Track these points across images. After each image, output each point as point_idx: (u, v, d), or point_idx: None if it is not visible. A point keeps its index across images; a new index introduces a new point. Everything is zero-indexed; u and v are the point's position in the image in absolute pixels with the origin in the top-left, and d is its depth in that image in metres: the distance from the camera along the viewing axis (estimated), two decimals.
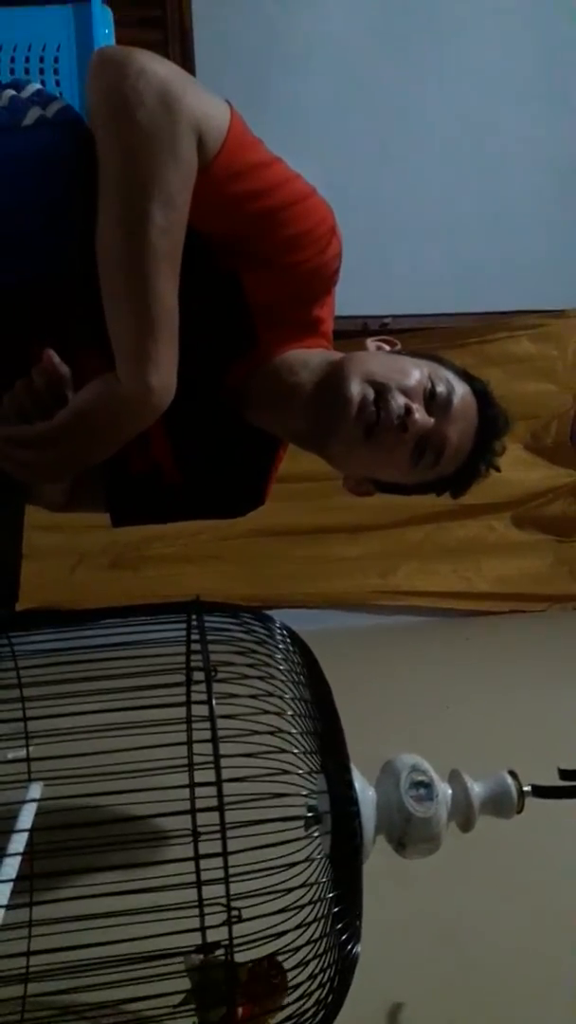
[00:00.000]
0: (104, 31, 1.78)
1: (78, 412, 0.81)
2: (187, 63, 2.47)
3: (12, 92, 0.92)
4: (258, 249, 0.89)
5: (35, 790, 1.03)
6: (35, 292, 0.87)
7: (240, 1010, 0.78)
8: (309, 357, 1.00)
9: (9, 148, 0.87)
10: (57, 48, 1.71)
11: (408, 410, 0.94)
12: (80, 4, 1.74)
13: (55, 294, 0.88)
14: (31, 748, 0.96)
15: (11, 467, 0.85)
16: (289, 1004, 0.72)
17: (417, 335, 2.61)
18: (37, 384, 0.84)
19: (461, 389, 1.01)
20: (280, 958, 0.74)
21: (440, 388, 0.98)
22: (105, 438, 0.83)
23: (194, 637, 0.88)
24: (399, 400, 0.94)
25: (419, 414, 0.95)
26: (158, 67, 0.77)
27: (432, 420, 0.96)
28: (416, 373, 0.98)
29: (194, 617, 0.89)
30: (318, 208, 0.91)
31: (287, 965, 0.74)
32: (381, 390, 0.95)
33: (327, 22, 2.59)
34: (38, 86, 0.92)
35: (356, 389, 0.94)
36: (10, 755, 1.00)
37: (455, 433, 0.99)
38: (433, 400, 0.97)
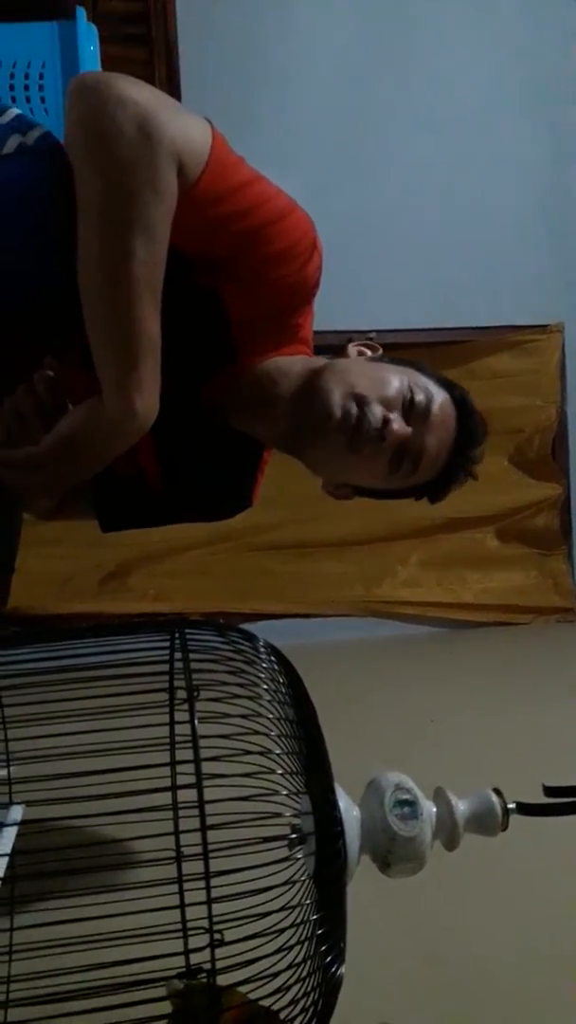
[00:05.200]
0: (89, 48, 1.79)
1: (64, 437, 0.83)
2: (172, 79, 2.48)
3: None
4: (240, 266, 0.90)
5: (16, 812, 1.02)
6: (20, 317, 0.88)
7: None
8: (290, 365, 1.01)
9: None
10: (42, 65, 1.72)
11: (386, 421, 0.96)
12: (65, 21, 1.74)
13: (40, 319, 0.88)
14: (12, 768, 0.95)
15: (3, 481, 0.87)
16: None
17: (402, 350, 2.62)
18: (38, 389, 0.86)
19: (440, 397, 1.02)
20: (263, 981, 0.73)
21: (419, 397, 0.99)
22: (91, 460, 0.85)
23: (177, 656, 0.88)
24: (377, 411, 0.96)
25: (397, 424, 0.96)
26: (137, 94, 0.77)
27: (410, 429, 0.98)
28: (396, 382, 0.99)
29: (177, 636, 0.89)
30: (300, 223, 0.92)
31: (270, 988, 0.73)
32: (361, 402, 0.96)
33: (312, 40, 2.62)
34: (18, 111, 0.92)
35: (337, 402, 0.96)
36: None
37: (433, 441, 1.00)
38: (412, 409, 0.98)
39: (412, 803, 0.84)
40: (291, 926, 0.70)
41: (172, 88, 2.47)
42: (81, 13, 1.76)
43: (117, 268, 0.77)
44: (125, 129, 0.75)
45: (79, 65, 1.75)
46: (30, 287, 0.87)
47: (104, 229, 0.78)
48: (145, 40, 2.48)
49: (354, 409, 0.95)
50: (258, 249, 0.89)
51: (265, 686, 0.80)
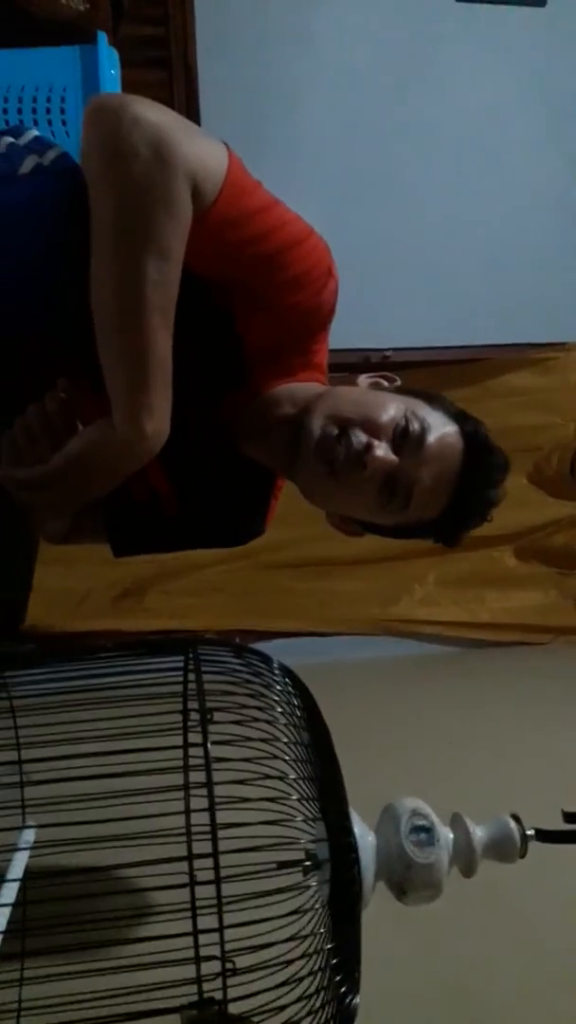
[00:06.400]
0: (110, 72, 1.81)
1: (74, 457, 0.83)
2: (191, 102, 2.51)
3: (10, 139, 0.93)
4: (254, 291, 0.90)
5: (29, 835, 1.01)
6: (34, 337, 0.88)
7: None
8: (297, 391, 0.99)
9: (5, 196, 0.88)
10: (64, 89, 1.74)
11: (368, 447, 0.91)
12: (86, 45, 1.76)
13: (53, 339, 0.89)
14: (25, 789, 0.94)
15: (15, 500, 0.87)
16: None
17: (419, 368, 2.62)
18: (49, 409, 0.86)
19: (443, 429, 0.95)
20: (276, 1012, 0.72)
21: (413, 426, 0.93)
22: (100, 480, 0.85)
23: (191, 677, 0.87)
24: (359, 437, 0.91)
25: (380, 451, 0.91)
26: (153, 115, 0.77)
27: (396, 458, 0.92)
28: (391, 410, 0.94)
29: (191, 656, 0.88)
30: (315, 250, 0.91)
31: (284, 1017, 0.72)
32: (344, 426, 0.92)
33: (331, 64, 2.64)
34: (36, 133, 0.93)
35: (318, 424, 0.92)
36: None
37: (428, 474, 0.94)
38: (404, 438, 0.93)
39: (428, 829, 0.83)
40: (305, 955, 0.69)
41: (191, 111, 2.49)
42: (102, 37, 1.78)
43: (129, 288, 0.77)
44: (140, 149, 0.75)
45: (100, 88, 1.77)
46: (44, 307, 0.87)
47: (117, 249, 0.77)
48: (165, 63, 2.50)
49: (334, 432, 0.92)
50: (273, 274, 0.88)
51: (280, 709, 0.79)
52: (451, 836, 0.86)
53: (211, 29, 2.56)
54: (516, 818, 0.89)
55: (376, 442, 0.92)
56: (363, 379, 1.03)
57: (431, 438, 0.94)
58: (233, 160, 0.83)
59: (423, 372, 2.61)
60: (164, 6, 2.52)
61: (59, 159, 0.91)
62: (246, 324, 0.92)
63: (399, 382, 1.05)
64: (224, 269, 0.88)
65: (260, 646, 1.11)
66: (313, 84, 2.63)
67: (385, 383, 1.04)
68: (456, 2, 2.72)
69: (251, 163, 0.88)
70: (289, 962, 0.68)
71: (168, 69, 2.50)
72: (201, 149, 0.80)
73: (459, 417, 0.99)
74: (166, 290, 0.79)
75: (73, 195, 0.83)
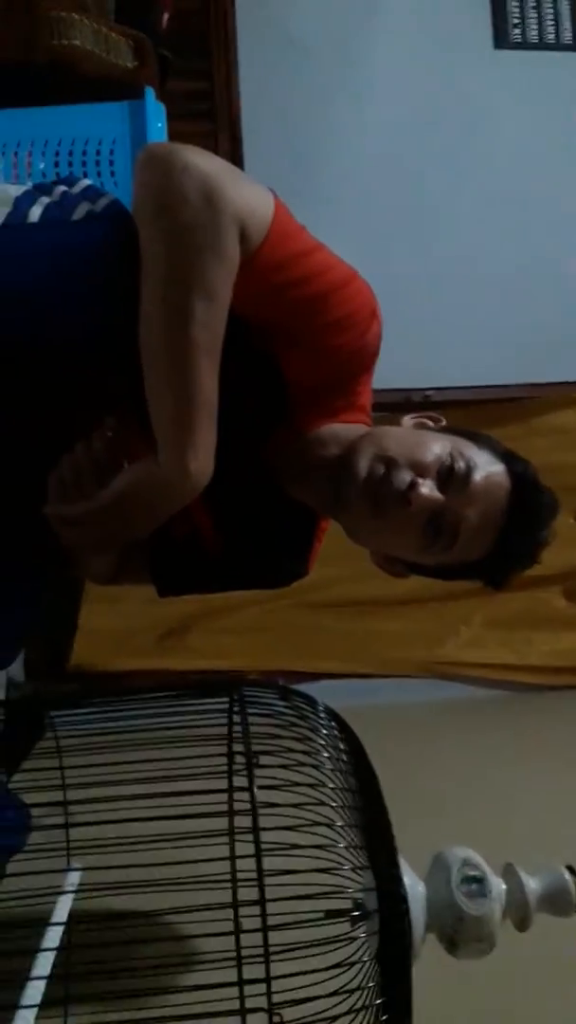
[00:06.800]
0: (157, 125, 1.87)
1: (120, 494, 0.84)
2: (235, 152, 2.58)
3: (64, 188, 0.96)
4: (299, 333, 0.91)
5: (74, 877, 1.00)
6: (83, 376, 0.90)
7: None
8: (341, 431, 0.99)
9: (58, 241, 0.90)
10: (113, 142, 1.79)
11: (412, 484, 0.91)
12: (134, 100, 1.83)
13: (102, 378, 0.90)
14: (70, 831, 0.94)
15: (61, 537, 0.88)
16: None
17: (461, 408, 2.61)
18: (96, 447, 0.87)
19: (489, 468, 0.95)
20: None
21: (459, 464, 0.93)
22: (144, 518, 0.86)
23: (236, 719, 0.86)
24: (404, 475, 0.91)
25: (425, 488, 0.91)
26: (202, 162, 0.79)
27: (441, 496, 0.92)
28: (436, 448, 0.94)
29: (236, 698, 0.88)
30: (359, 293, 0.92)
31: None
32: (389, 464, 0.92)
33: (371, 112, 2.70)
34: (88, 182, 0.96)
35: (364, 464, 0.92)
36: None
37: (474, 513, 0.93)
38: (450, 477, 0.92)
39: (480, 880, 0.81)
40: (354, 1009, 0.67)
41: (235, 160, 2.56)
42: (150, 92, 1.84)
43: (177, 329, 0.79)
44: (190, 195, 0.77)
45: (147, 140, 1.83)
46: (94, 347, 0.89)
47: (165, 290, 0.79)
48: (210, 115, 2.59)
49: (380, 471, 0.92)
50: (317, 317, 0.89)
51: (326, 753, 0.78)
52: (504, 887, 0.83)
53: (254, 82, 2.64)
54: (572, 869, 0.85)
55: (421, 480, 0.92)
56: (408, 419, 1.03)
57: (477, 476, 0.94)
58: (279, 206, 0.85)
59: (465, 411, 2.60)
60: (209, 60, 2.61)
61: (110, 206, 0.94)
62: (290, 365, 0.93)
63: (444, 422, 1.05)
64: (269, 311, 0.89)
65: (303, 687, 1.10)
66: (355, 132, 2.69)
67: (430, 423, 1.03)
68: (495, 50, 2.76)
69: (293, 209, 0.89)
70: (336, 1017, 0.65)
71: (213, 121, 2.58)
72: (248, 195, 0.82)
73: (506, 457, 0.98)
74: (212, 331, 0.80)
75: (124, 240, 0.85)
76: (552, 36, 2.79)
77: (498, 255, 2.75)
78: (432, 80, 2.71)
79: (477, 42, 2.75)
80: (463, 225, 2.74)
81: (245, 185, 0.82)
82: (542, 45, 2.79)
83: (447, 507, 0.92)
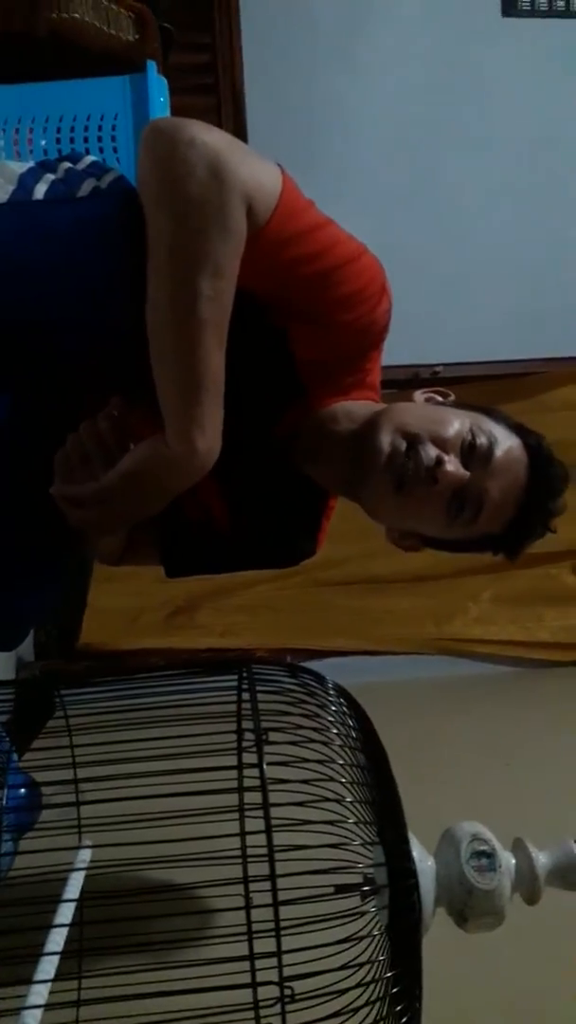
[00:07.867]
0: (160, 99, 1.84)
1: (127, 473, 0.84)
2: (239, 126, 2.55)
3: (68, 164, 0.95)
4: (308, 309, 0.90)
5: (85, 854, 1.01)
6: (89, 355, 0.89)
7: None
8: (354, 408, 0.99)
9: (64, 217, 0.89)
10: (115, 117, 1.77)
11: (439, 461, 0.91)
12: (136, 74, 1.80)
13: (108, 357, 0.90)
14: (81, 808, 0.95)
15: (69, 518, 0.88)
16: None
17: (470, 383, 2.59)
18: (102, 427, 0.87)
19: (508, 442, 0.96)
20: None
21: (480, 440, 0.94)
22: (152, 496, 0.86)
23: (245, 697, 0.87)
24: (430, 451, 0.92)
25: (451, 465, 0.92)
26: (209, 137, 0.78)
27: (467, 473, 0.93)
28: (456, 424, 0.94)
29: (245, 675, 0.88)
30: (368, 268, 0.91)
31: None
32: (413, 441, 0.92)
33: (377, 83, 2.65)
34: (93, 159, 0.95)
35: (387, 440, 0.92)
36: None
37: (496, 488, 0.94)
38: (472, 452, 0.94)
39: (490, 855, 0.81)
40: (364, 983, 0.68)
41: (239, 135, 2.53)
42: (152, 66, 1.81)
43: (183, 305, 0.78)
44: (196, 169, 0.76)
45: (150, 116, 1.80)
46: (100, 325, 0.88)
47: (172, 266, 0.78)
48: (213, 90, 2.55)
49: (403, 447, 0.92)
50: (326, 292, 0.88)
51: (335, 730, 0.78)
52: (513, 862, 0.83)
53: (257, 55, 2.60)
54: None
55: (446, 456, 0.92)
56: (419, 395, 1.04)
57: (499, 451, 0.95)
58: (286, 180, 0.84)
59: (474, 387, 2.58)
60: (211, 34, 2.57)
61: (116, 182, 0.93)
62: (299, 342, 0.93)
63: (453, 397, 1.05)
64: (278, 288, 0.88)
65: (312, 665, 1.10)
66: (360, 104, 2.65)
67: (440, 398, 1.04)
68: (503, 17, 2.71)
69: (300, 184, 0.88)
70: (346, 990, 0.66)
71: (216, 95, 2.54)
72: (255, 169, 0.81)
73: (519, 430, 1.00)
74: (219, 307, 0.79)
75: (130, 215, 0.84)
76: (562, 3, 2.74)
77: (508, 228, 2.72)
78: (439, 49, 2.66)
79: (485, 9, 2.70)
80: (471, 197, 2.70)
81: (253, 160, 0.81)
82: (551, 12, 2.73)
83: (472, 483, 0.93)
